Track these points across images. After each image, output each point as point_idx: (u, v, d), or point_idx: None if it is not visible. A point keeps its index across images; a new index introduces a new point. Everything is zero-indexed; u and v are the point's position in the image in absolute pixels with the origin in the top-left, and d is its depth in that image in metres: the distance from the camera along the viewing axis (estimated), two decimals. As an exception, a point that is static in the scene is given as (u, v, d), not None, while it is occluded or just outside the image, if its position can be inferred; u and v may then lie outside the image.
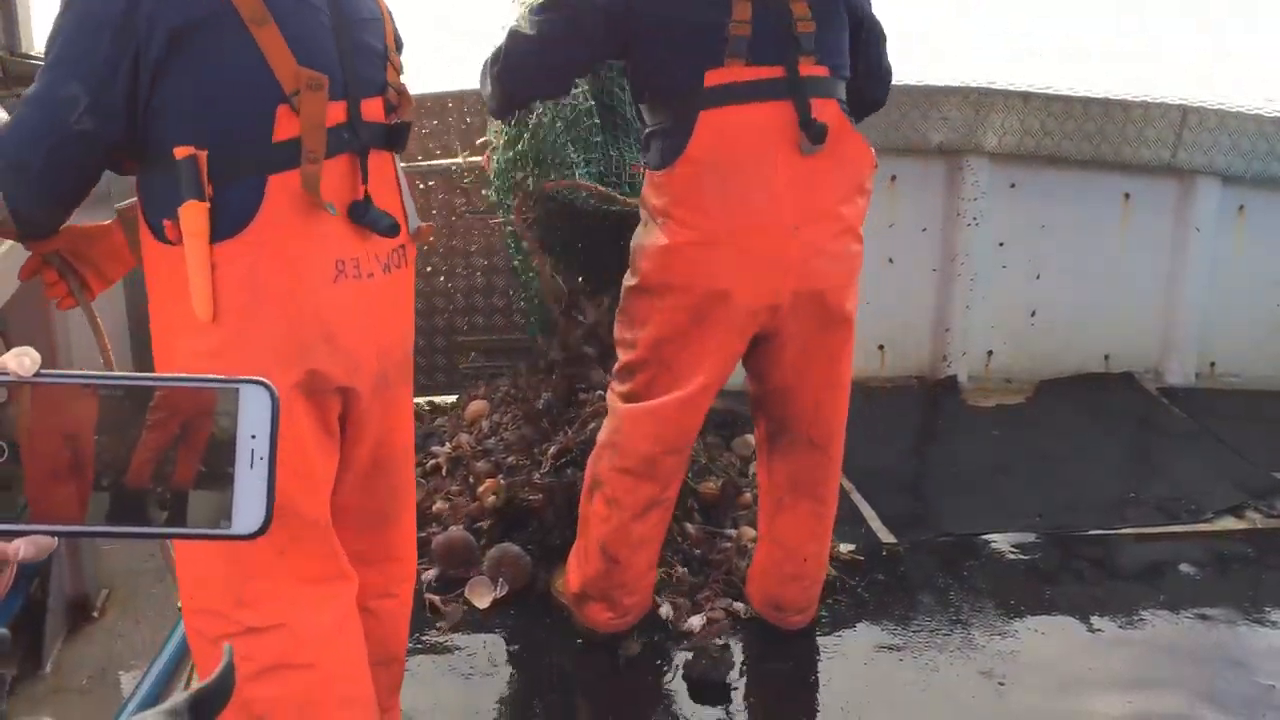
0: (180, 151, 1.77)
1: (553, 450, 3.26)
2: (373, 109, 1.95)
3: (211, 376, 0.83)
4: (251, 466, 0.82)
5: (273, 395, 0.82)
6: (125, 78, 1.77)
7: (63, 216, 1.96)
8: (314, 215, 1.85)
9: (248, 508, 0.81)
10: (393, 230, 1.94)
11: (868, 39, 2.72)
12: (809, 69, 2.50)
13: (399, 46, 2.10)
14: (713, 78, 2.45)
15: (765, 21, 2.46)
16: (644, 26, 2.49)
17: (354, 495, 2.12)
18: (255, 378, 0.82)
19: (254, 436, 0.82)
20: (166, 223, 1.82)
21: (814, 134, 2.46)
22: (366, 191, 1.92)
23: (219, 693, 0.82)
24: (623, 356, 2.75)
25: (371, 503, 2.16)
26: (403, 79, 2.06)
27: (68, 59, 1.78)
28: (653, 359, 2.67)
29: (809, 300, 2.62)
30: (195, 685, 0.82)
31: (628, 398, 2.74)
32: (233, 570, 1.94)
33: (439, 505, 3.37)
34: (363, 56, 1.94)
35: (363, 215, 1.90)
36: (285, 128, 1.82)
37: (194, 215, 1.78)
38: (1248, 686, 2.93)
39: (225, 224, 1.80)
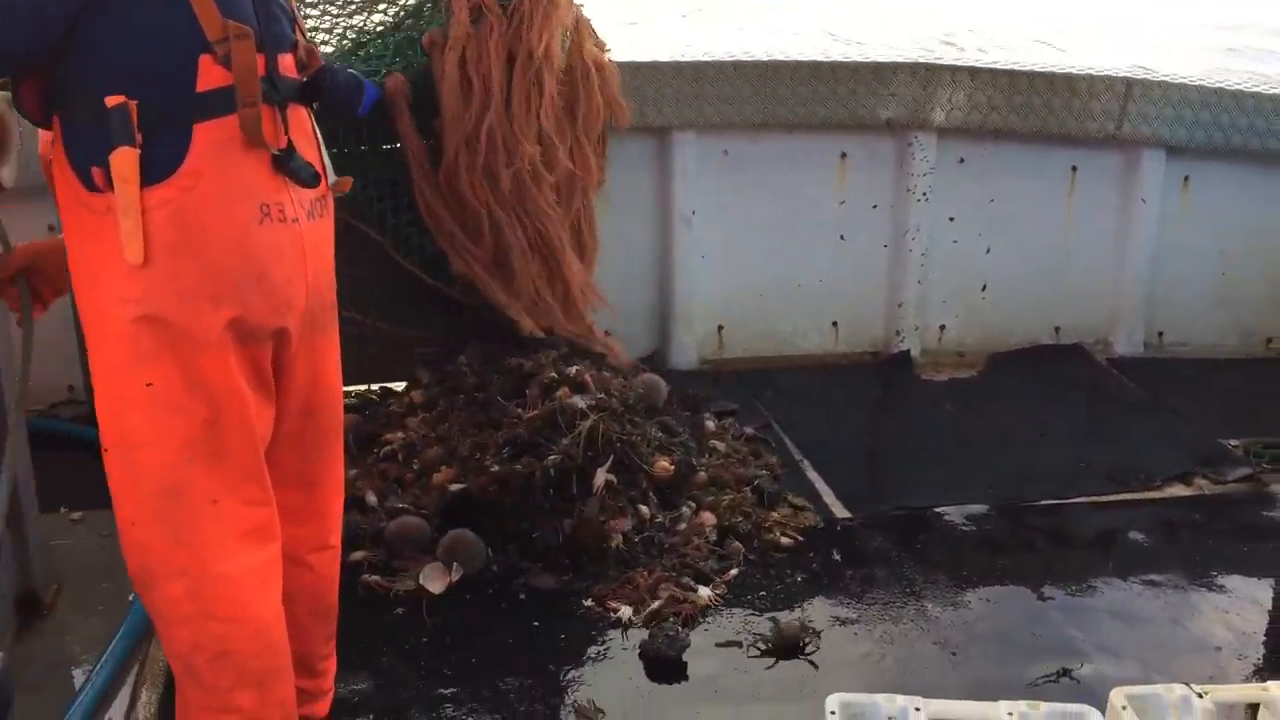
0: (111, 100, 1.86)
1: (503, 438, 3.25)
2: (286, 64, 2.06)
3: None
4: None
5: None
6: None
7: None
8: (238, 162, 1.95)
9: None
10: (314, 180, 2.07)
11: None
12: None
13: None
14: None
15: None
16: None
17: (289, 444, 2.22)
18: None
19: None
20: (95, 170, 1.89)
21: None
22: (290, 142, 2.03)
23: None
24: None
25: (305, 449, 2.27)
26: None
27: None
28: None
29: None
30: None
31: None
32: (164, 511, 2.03)
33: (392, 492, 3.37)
34: (274, 15, 2.05)
35: (286, 164, 2.01)
36: (208, 78, 1.92)
37: (125, 160, 1.86)
38: (1196, 649, 2.98)
39: (154, 169, 1.89)
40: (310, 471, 2.32)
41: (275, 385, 2.13)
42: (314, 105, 2.18)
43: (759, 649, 2.89)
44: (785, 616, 2.99)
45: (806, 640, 2.91)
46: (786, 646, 2.89)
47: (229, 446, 2.04)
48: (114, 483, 2.06)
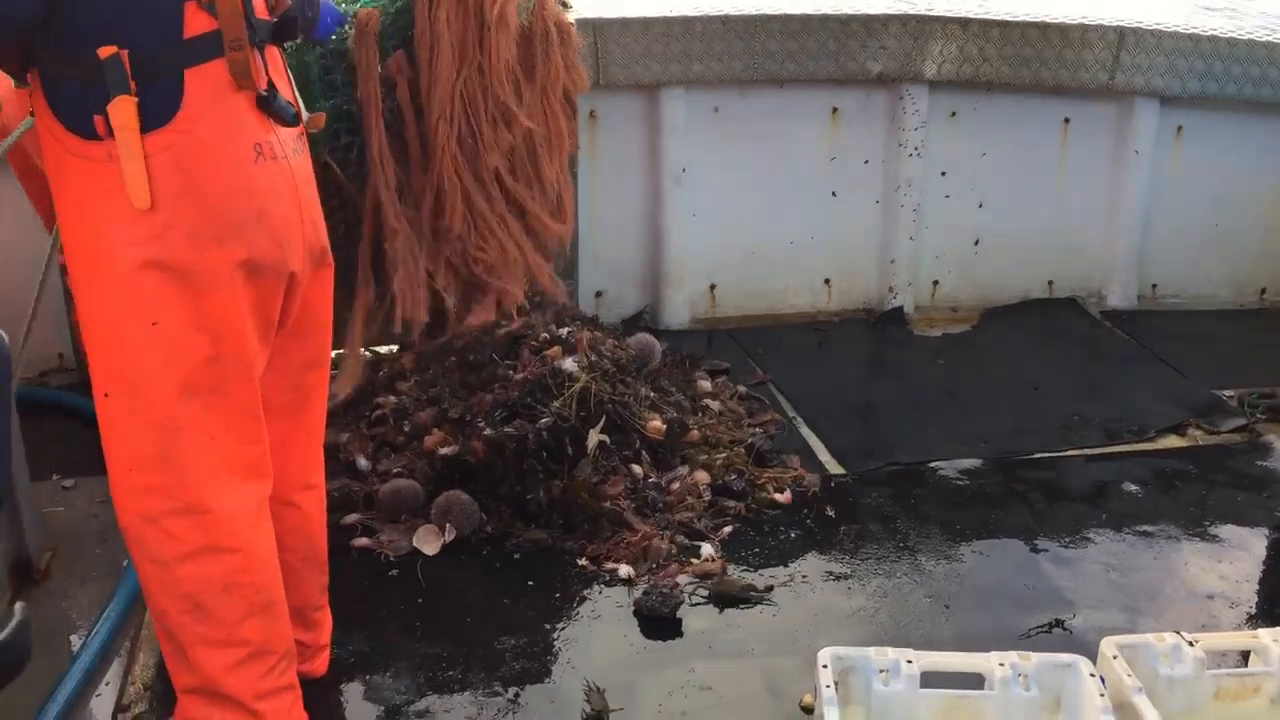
0: (104, 51, 1.91)
1: (491, 401, 3.25)
2: (259, 7, 2.10)
3: None
4: None
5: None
6: None
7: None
8: (228, 104, 2.02)
9: None
10: (295, 119, 2.14)
11: None
12: None
13: None
14: None
15: None
16: None
17: (274, 365, 2.25)
18: None
19: None
20: (97, 118, 1.94)
21: None
22: (271, 82, 2.08)
23: None
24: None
25: (286, 373, 2.31)
26: None
27: None
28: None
29: None
30: None
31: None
32: (167, 450, 2.08)
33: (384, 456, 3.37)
34: None
35: (270, 104, 2.07)
36: (194, 24, 1.97)
37: (124, 109, 1.92)
38: (1188, 599, 3.00)
39: (151, 116, 1.95)
40: (291, 399, 2.36)
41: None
42: (285, 45, 2.22)
43: (700, 598, 2.92)
44: (724, 577, 3.01)
45: (743, 591, 2.94)
46: (726, 596, 2.92)
47: (228, 384, 2.10)
48: (112, 428, 2.10)
